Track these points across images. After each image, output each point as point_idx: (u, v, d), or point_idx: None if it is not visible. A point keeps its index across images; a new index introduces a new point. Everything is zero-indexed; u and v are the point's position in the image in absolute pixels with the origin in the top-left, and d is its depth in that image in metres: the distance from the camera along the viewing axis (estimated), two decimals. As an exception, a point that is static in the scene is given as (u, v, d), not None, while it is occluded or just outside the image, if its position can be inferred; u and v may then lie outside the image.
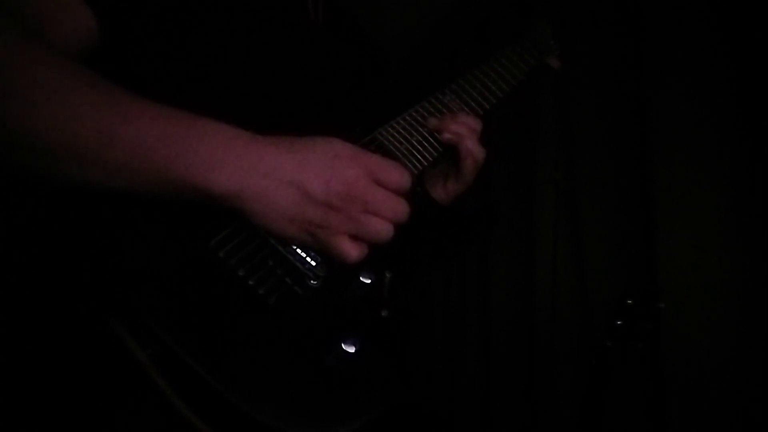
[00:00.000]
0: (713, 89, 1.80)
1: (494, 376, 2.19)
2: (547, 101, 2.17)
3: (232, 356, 0.66)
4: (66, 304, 0.65)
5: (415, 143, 0.88)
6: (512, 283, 2.22)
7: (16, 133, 0.63)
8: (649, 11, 1.91)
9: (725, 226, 1.77)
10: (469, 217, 1.02)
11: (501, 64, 1.02)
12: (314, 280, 0.73)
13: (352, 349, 0.71)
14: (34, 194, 0.71)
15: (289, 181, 0.66)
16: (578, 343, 1.99)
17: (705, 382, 1.71)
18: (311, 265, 0.73)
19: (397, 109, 0.92)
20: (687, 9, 1.85)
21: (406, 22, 2.16)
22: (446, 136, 0.91)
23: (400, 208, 0.71)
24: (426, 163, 0.89)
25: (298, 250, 0.74)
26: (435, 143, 0.90)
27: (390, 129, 0.88)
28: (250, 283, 0.70)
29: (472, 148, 0.91)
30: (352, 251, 0.69)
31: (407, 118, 0.90)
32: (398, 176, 0.71)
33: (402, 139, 0.88)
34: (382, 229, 0.70)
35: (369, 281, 0.77)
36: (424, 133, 0.90)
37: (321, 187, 0.67)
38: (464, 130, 0.91)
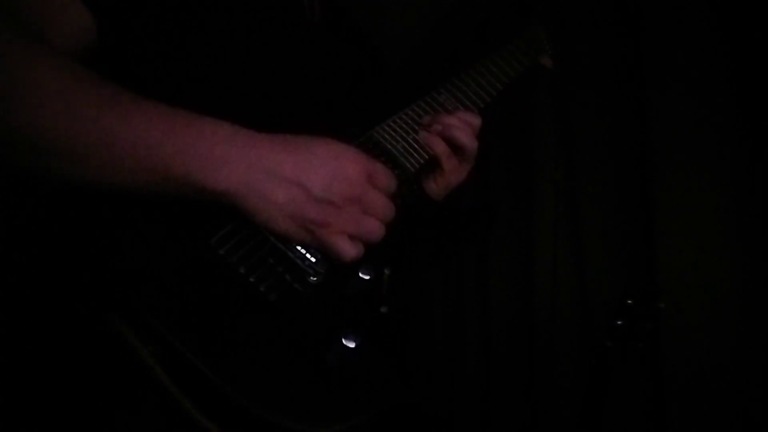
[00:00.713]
0: (713, 89, 1.81)
1: (494, 376, 2.19)
2: (547, 101, 2.17)
3: (233, 353, 0.66)
4: (67, 303, 0.65)
5: (411, 141, 0.89)
6: (512, 283, 2.22)
7: (16, 133, 0.63)
8: (649, 11, 1.91)
9: (725, 226, 1.77)
10: (466, 215, 1.02)
11: (495, 63, 1.03)
12: (314, 277, 0.74)
13: (352, 345, 0.71)
14: (34, 194, 0.71)
15: (290, 180, 0.67)
16: (578, 343, 1.99)
17: (705, 382, 1.71)
18: (311, 262, 0.74)
19: (393, 108, 0.92)
20: (687, 9, 1.85)
21: (402, 22, 2.16)
22: (436, 127, 0.91)
23: (390, 209, 0.74)
24: (422, 161, 0.90)
25: (298, 248, 0.74)
26: None
27: (386, 128, 0.89)
28: (251, 280, 0.70)
29: (462, 139, 0.91)
30: (351, 250, 0.70)
31: (403, 117, 0.91)
32: (388, 179, 0.75)
33: (398, 138, 0.89)
34: (376, 228, 0.72)
35: (368, 278, 0.77)
36: (420, 131, 0.91)
37: (323, 187, 0.68)
38: (455, 122, 0.91)
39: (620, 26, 1.98)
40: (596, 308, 1.95)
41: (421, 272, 0.95)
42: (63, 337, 0.66)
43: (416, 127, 0.91)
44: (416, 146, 0.90)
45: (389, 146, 0.87)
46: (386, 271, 0.80)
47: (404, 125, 0.90)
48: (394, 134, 0.89)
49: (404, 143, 0.89)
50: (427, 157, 0.90)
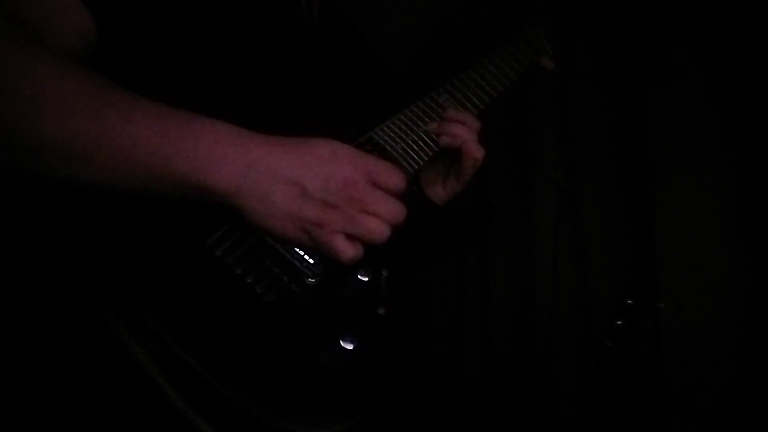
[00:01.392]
0: (713, 89, 1.80)
1: (494, 376, 2.19)
2: (547, 101, 2.17)
3: (231, 354, 0.66)
4: (65, 303, 0.65)
5: (410, 143, 0.89)
6: (512, 283, 2.22)
7: (15, 133, 0.63)
8: (649, 11, 1.91)
9: (725, 226, 1.77)
10: (465, 216, 1.02)
11: (495, 64, 1.03)
12: (312, 278, 0.74)
13: (350, 347, 0.71)
14: (33, 194, 0.71)
15: (287, 179, 0.67)
16: (578, 343, 1.99)
17: (705, 382, 1.71)
18: (309, 263, 0.74)
19: (392, 109, 0.92)
20: (687, 9, 1.85)
21: (402, 22, 2.16)
22: (445, 139, 0.91)
23: (396, 210, 0.71)
24: (422, 163, 0.90)
25: (296, 248, 0.74)
26: (430, 143, 0.91)
27: (386, 129, 0.88)
28: (248, 281, 0.70)
29: (472, 150, 0.92)
30: (348, 250, 0.69)
31: (403, 117, 0.91)
32: (395, 178, 0.72)
33: (398, 139, 0.88)
34: (377, 229, 0.70)
35: (366, 279, 0.77)
36: (420, 132, 0.91)
37: (319, 186, 0.67)
38: (463, 131, 0.91)
39: (620, 26, 1.98)
40: (596, 308, 1.96)
41: (420, 273, 0.95)
42: (61, 337, 0.66)
43: (416, 128, 0.91)
44: (416, 147, 0.90)
45: (388, 147, 0.87)
46: (384, 273, 0.80)
47: (404, 126, 0.90)
48: (393, 135, 0.88)
49: (404, 144, 0.88)
50: (426, 158, 0.90)
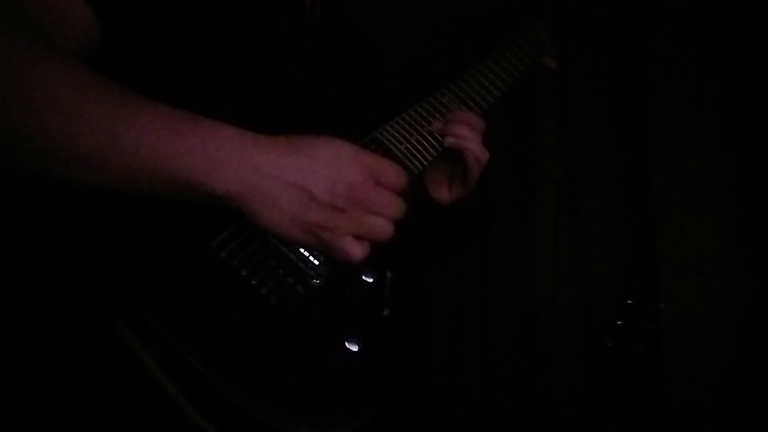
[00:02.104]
0: (713, 89, 1.81)
1: (494, 376, 2.20)
2: (547, 101, 2.17)
3: (235, 356, 0.66)
4: (69, 305, 0.65)
5: (414, 143, 0.89)
6: (512, 283, 2.23)
7: (19, 133, 0.63)
8: (650, 10, 1.91)
9: (725, 226, 1.77)
10: (468, 216, 1.02)
11: (498, 63, 1.02)
12: (316, 280, 0.73)
13: (353, 348, 0.71)
14: (36, 195, 0.71)
15: (293, 183, 0.67)
16: (578, 343, 2.00)
17: (705, 382, 1.71)
18: (313, 264, 0.74)
19: (395, 109, 0.92)
20: (687, 9, 1.85)
21: (405, 22, 2.16)
22: (450, 140, 0.91)
23: (399, 207, 0.72)
24: (426, 163, 0.89)
25: (301, 250, 0.74)
26: (434, 143, 0.91)
27: (389, 129, 0.88)
28: (253, 283, 0.70)
29: (477, 152, 0.92)
30: (357, 251, 0.69)
31: (406, 117, 0.90)
32: (397, 176, 0.73)
33: (402, 139, 0.88)
34: (384, 227, 0.71)
35: (371, 281, 0.77)
36: (424, 132, 0.90)
37: (326, 190, 0.67)
38: (467, 132, 0.91)
39: (621, 26, 1.98)
40: (596, 308, 1.96)
41: (424, 274, 0.95)
42: (65, 339, 0.66)
43: (419, 128, 0.91)
44: (420, 147, 0.89)
45: (392, 147, 0.87)
46: (389, 274, 0.80)
47: (407, 126, 0.90)
48: (397, 135, 0.88)
49: (407, 144, 0.88)
50: (430, 158, 0.90)
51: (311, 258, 0.73)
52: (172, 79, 0.79)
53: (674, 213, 1.83)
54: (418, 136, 0.90)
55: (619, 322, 1.56)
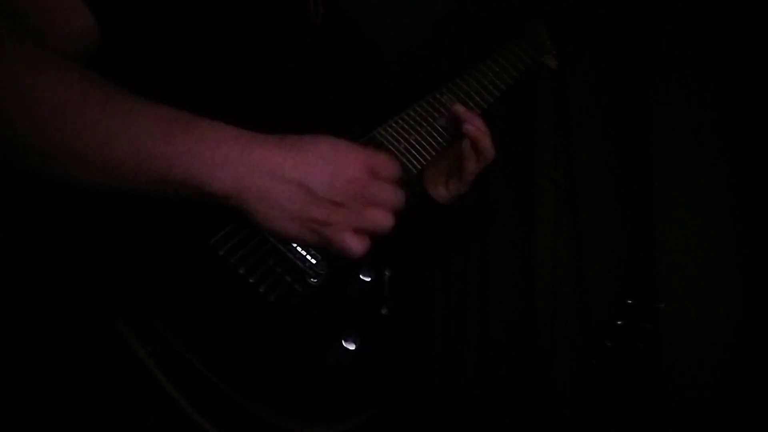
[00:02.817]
0: (713, 89, 1.80)
1: (494, 376, 2.19)
2: (547, 101, 2.17)
3: (233, 354, 0.66)
4: (68, 303, 0.65)
5: (413, 142, 0.89)
6: (512, 283, 2.22)
7: (17, 134, 0.63)
8: (650, 10, 1.91)
9: (725, 226, 1.77)
10: (467, 215, 1.02)
11: (498, 63, 1.03)
12: (314, 278, 0.74)
13: (352, 347, 0.71)
14: (37, 195, 0.71)
15: (292, 180, 0.67)
16: (578, 343, 1.99)
17: (705, 383, 1.71)
18: (311, 263, 0.74)
19: (396, 108, 0.92)
20: (687, 8, 1.85)
21: (405, 23, 2.16)
22: (469, 127, 0.92)
23: (397, 197, 0.72)
24: (424, 162, 0.90)
25: (299, 248, 0.74)
26: (433, 142, 0.91)
27: (388, 128, 0.89)
28: (251, 281, 0.70)
29: (488, 147, 0.93)
30: (359, 246, 0.70)
31: (405, 117, 0.91)
32: (391, 166, 0.73)
33: (400, 138, 0.88)
34: (384, 219, 0.71)
35: (369, 279, 0.77)
36: (422, 132, 0.91)
37: (324, 186, 0.67)
38: (483, 127, 0.93)
39: (621, 27, 1.98)
40: (596, 308, 1.95)
41: (422, 274, 0.95)
42: (63, 337, 0.66)
43: (418, 128, 0.91)
44: (418, 146, 0.90)
45: (391, 146, 0.87)
46: (387, 273, 0.80)
47: (406, 125, 0.90)
48: (396, 134, 0.89)
49: (406, 144, 0.89)
50: (429, 157, 0.90)
51: (308, 257, 0.74)
52: (172, 79, 0.80)
53: (674, 213, 1.83)
54: (416, 136, 0.90)
55: (619, 322, 1.56)
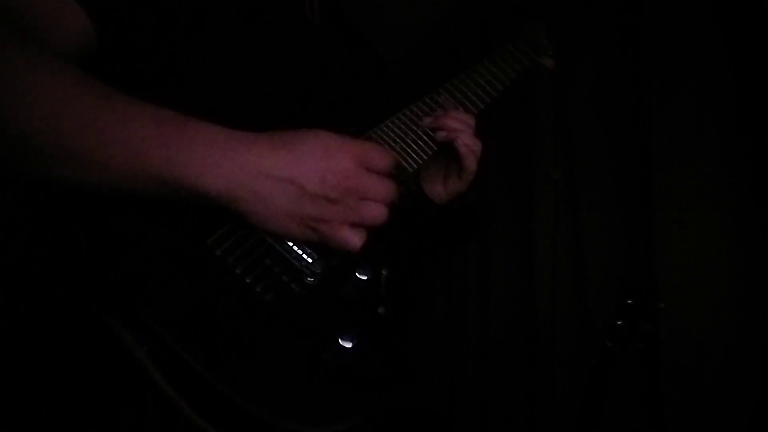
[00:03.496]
0: (713, 89, 1.80)
1: (494, 376, 2.19)
2: (547, 101, 2.17)
3: (230, 353, 0.66)
4: (64, 303, 0.65)
5: (409, 142, 0.89)
6: (512, 284, 2.22)
7: (11, 134, 0.63)
8: (650, 10, 1.91)
9: (725, 226, 1.77)
10: (466, 214, 1.02)
11: (495, 63, 1.02)
12: (311, 277, 0.74)
13: (348, 345, 0.71)
14: (37, 195, 0.71)
15: (284, 178, 0.67)
16: (578, 343, 1.99)
17: (705, 382, 1.71)
18: (308, 262, 0.74)
19: (392, 108, 0.92)
20: (687, 8, 1.85)
21: (402, 23, 2.16)
22: (441, 134, 0.92)
23: (390, 189, 0.72)
24: (421, 162, 0.90)
25: (295, 248, 0.74)
26: (429, 142, 0.91)
27: (384, 128, 0.89)
28: (247, 281, 0.70)
29: (469, 142, 0.92)
30: (355, 240, 0.70)
31: (401, 117, 0.91)
32: (383, 158, 0.73)
33: (397, 138, 0.89)
34: (378, 212, 0.71)
35: (366, 278, 0.77)
36: (419, 132, 0.91)
37: (318, 182, 0.67)
38: (458, 124, 0.92)
39: (621, 27, 1.98)
40: (596, 308, 1.96)
41: (420, 273, 0.95)
42: (64, 339, 0.66)
43: (415, 128, 0.91)
44: (415, 146, 0.90)
45: (387, 146, 0.87)
46: (384, 272, 0.80)
47: (402, 126, 0.90)
48: (392, 134, 0.89)
49: (402, 143, 0.89)
50: (425, 157, 0.90)
51: (304, 256, 0.74)
52: (170, 80, 0.80)
53: (674, 213, 1.83)
54: (413, 135, 0.90)
55: (619, 322, 1.56)
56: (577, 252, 2.05)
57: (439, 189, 0.97)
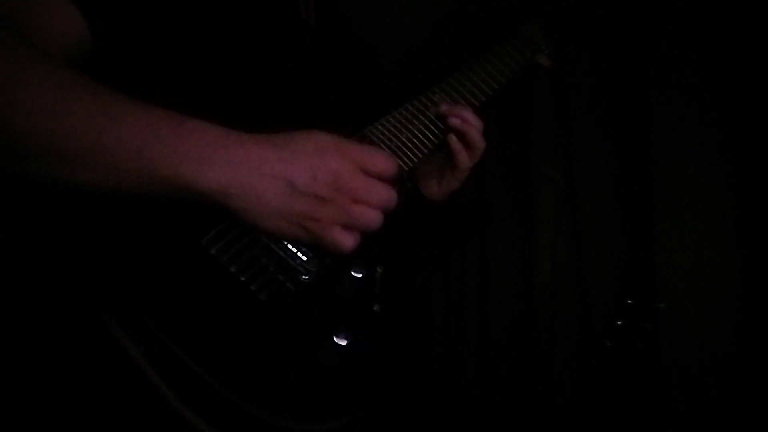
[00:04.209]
0: (713, 88, 1.80)
1: (494, 376, 2.19)
2: (546, 101, 2.17)
3: (226, 352, 0.66)
4: (63, 303, 0.66)
5: (405, 140, 0.89)
6: (512, 284, 2.23)
7: (7, 134, 0.64)
8: (650, 10, 1.91)
9: (725, 226, 1.76)
10: (462, 214, 1.02)
11: (491, 62, 1.02)
12: (306, 276, 0.74)
13: (343, 343, 0.71)
14: (37, 195, 0.71)
15: (276, 176, 0.67)
16: (578, 343, 1.99)
17: (705, 383, 1.71)
18: (302, 260, 0.74)
19: (387, 107, 0.92)
20: (687, 8, 1.85)
21: (398, 23, 2.16)
22: (455, 120, 0.92)
23: (386, 195, 0.71)
24: (416, 160, 0.90)
25: (290, 246, 0.74)
26: (425, 140, 0.91)
27: (380, 127, 0.89)
28: (242, 279, 0.71)
29: (477, 138, 0.93)
30: (346, 241, 0.69)
31: (397, 116, 0.91)
32: (383, 163, 0.72)
33: (392, 137, 0.89)
34: (371, 216, 0.70)
35: (361, 276, 0.77)
36: (414, 130, 0.91)
37: (308, 180, 0.67)
38: (472, 119, 0.92)
39: (621, 27, 1.98)
40: (596, 308, 1.95)
41: (416, 271, 0.95)
42: (64, 339, 0.66)
43: (410, 126, 0.91)
44: (410, 145, 0.90)
45: (382, 144, 0.87)
46: (379, 270, 0.80)
47: (398, 124, 0.90)
48: (387, 132, 0.89)
49: (397, 142, 0.89)
50: (420, 155, 0.90)
51: (299, 254, 0.74)
52: (165, 80, 0.80)
53: (674, 213, 1.83)
54: (408, 134, 0.90)
55: (619, 322, 1.56)
56: (577, 252, 2.05)
57: (434, 187, 0.97)
